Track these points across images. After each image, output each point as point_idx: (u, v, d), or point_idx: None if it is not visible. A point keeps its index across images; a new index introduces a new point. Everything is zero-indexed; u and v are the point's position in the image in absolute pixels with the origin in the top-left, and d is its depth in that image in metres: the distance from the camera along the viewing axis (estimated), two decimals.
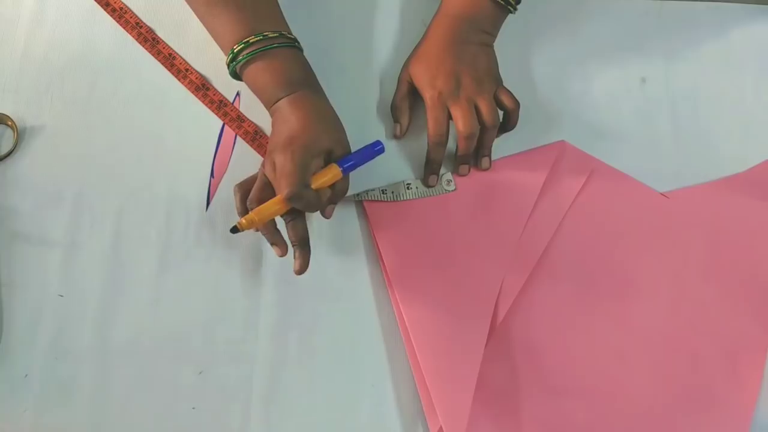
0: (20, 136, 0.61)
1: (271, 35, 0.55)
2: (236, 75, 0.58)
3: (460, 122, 0.58)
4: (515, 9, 0.60)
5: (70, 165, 0.60)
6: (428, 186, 0.60)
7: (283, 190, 0.51)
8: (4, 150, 0.60)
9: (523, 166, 0.62)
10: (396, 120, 0.62)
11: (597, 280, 0.59)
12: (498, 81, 0.61)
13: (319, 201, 0.53)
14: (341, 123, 0.56)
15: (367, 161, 0.56)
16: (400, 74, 0.63)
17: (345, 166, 0.54)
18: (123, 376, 0.55)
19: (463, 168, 0.61)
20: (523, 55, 0.66)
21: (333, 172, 0.54)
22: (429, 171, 0.60)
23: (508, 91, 0.60)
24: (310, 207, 0.52)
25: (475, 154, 0.61)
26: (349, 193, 0.58)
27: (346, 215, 0.60)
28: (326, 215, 0.57)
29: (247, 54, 0.55)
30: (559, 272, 0.59)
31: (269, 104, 0.56)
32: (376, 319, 0.57)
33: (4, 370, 0.54)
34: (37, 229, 0.58)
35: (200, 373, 0.55)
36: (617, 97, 0.65)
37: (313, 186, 0.52)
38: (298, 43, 0.57)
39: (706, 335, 0.58)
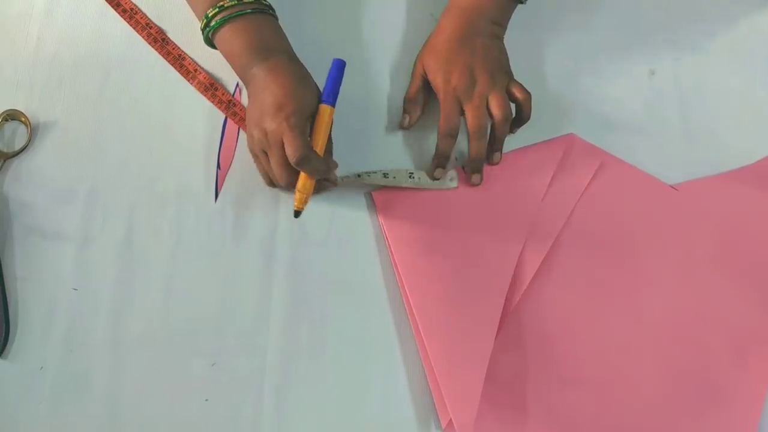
0: (33, 132, 0.61)
1: (246, 0, 0.55)
2: (210, 42, 0.58)
3: (471, 119, 0.58)
4: None
5: (82, 160, 0.61)
6: (433, 179, 0.60)
7: (290, 156, 0.51)
8: (18, 146, 0.61)
9: (532, 159, 0.62)
10: (407, 112, 0.62)
11: (606, 272, 0.59)
12: (509, 74, 0.61)
13: (325, 164, 0.54)
14: (318, 87, 0.56)
15: (340, 80, 0.56)
16: (414, 68, 0.63)
17: (328, 98, 0.55)
18: (136, 368, 0.55)
19: (476, 177, 0.60)
20: (532, 49, 0.66)
21: (327, 112, 0.55)
22: (436, 163, 0.60)
23: (519, 83, 0.60)
24: (319, 171, 0.53)
25: (487, 150, 0.60)
26: (351, 172, 0.59)
27: (356, 207, 0.60)
28: (334, 182, 0.57)
29: (221, 18, 0.55)
30: (569, 264, 0.59)
31: (243, 71, 0.56)
32: (387, 311, 0.57)
33: (20, 363, 0.55)
34: (51, 224, 0.59)
35: (213, 365, 0.55)
36: (626, 90, 0.65)
37: (318, 140, 0.54)
38: (273, 10, 0.58)
39: (715, 327, 0.58)
